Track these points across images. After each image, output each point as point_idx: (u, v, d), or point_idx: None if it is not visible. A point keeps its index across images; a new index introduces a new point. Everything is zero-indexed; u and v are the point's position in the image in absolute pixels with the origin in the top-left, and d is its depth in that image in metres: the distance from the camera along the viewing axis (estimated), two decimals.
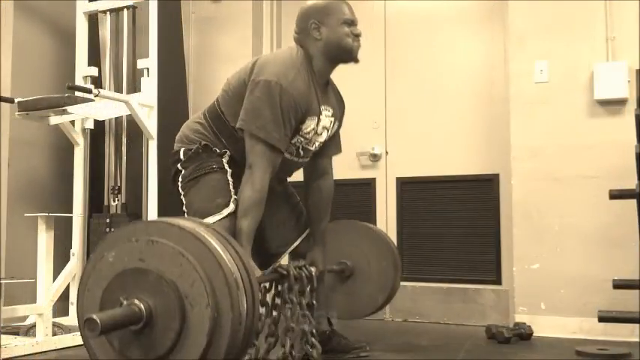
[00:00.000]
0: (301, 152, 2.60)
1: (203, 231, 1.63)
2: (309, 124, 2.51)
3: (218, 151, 2.51)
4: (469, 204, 4.02)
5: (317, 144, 2.65)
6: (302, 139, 2.53)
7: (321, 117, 2.58)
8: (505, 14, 3.85)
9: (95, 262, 1.67)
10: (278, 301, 2.36)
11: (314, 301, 2.42)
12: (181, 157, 2.54)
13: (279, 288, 2.37)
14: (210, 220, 2.35)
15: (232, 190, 2.46)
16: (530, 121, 3.65)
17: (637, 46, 3.42)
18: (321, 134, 2.62)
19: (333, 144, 2.80)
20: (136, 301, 1.55)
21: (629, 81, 3.41)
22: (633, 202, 2.77)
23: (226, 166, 2.50)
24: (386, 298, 3.12)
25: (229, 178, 2.49)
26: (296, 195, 2.91)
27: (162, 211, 3.59)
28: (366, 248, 3.11)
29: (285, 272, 2.35)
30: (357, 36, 2.63)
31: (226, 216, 2.38)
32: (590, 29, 3.56)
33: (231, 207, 2.38)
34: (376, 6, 4.37)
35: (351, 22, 2.61)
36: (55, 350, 3.13)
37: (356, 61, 2.65)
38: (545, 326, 3.49)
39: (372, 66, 4.33)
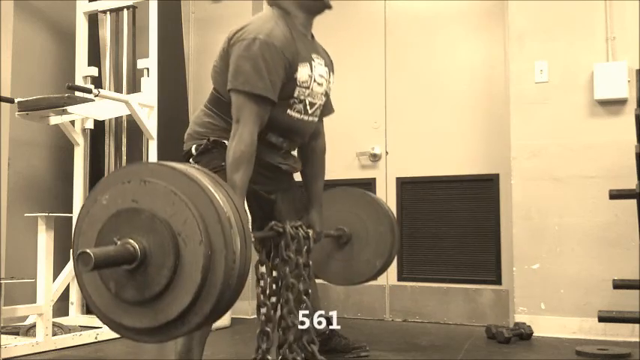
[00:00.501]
0: (308, 108, 2.50)
1: (195, 171, 1.62)
2: (304, 72, 2.43)
3: (227, 143, 2.44)
4: (469, 204, 4.02)
5: (321, 96, 2.56)
6: (303, 90, 2.44)
7: (313, 64, 2.49)
8: (505, 14, 3.85)
9: (89, 207, 1.66)
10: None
11: (310, 262, 2.39)
12: (193, 152, 2.47)
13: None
14: None
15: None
16: (530, 121, 3.65)
17: (637, 46, 3.43)
18: (321, 84, 2.53)
19: (326, 104, 2.71)
20: (130, 240, 1.54)
21: (629, 81, 3.41)
22: (633, 202, 2.78)
23: None
24: (384, 263, 3.04)
25: None
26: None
27: None
28: (363, 214, 3.07)
29: (281, 230, 2.33)
30: None
31: None
32: (590, 29, 3.56)
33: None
34: (376, 6, 4.37)
35: None
36: (55, 350, 3.13)
37: (329, 6, 2.58)
38: (545, 326, 3.49)
39: (372, 66, 4.33)
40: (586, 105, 3.54)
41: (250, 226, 2.28)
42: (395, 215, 3.08)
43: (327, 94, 2.64)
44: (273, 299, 2.34)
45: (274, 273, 2.35)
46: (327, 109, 2.73)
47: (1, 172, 3.52)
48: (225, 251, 1.52)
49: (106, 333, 3.42)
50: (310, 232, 2.41)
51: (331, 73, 2.67)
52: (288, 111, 2.42)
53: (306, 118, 2.51)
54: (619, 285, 2.78)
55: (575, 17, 3.60)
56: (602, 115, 3.51)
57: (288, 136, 2.49)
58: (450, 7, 4.17)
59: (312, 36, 2.63)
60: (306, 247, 2.35)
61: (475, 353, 3.08)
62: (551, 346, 3.24)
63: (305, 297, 2.30)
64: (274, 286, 2.33)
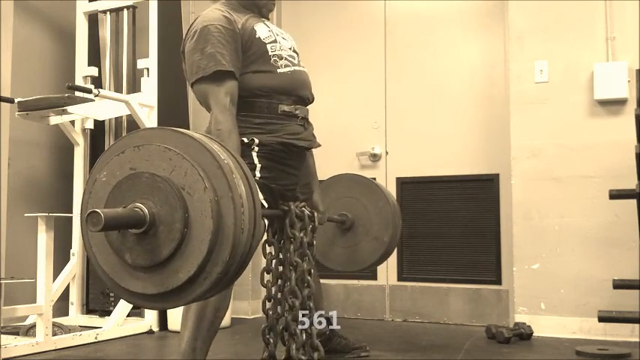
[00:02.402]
0: (292, 60, 2.49)
1: (186, 130, 1.62)
2: (261, 29, 2.43)
3: (246, 140, 2.39)
4: (469, 204, 4.02)
5: (293, 51, 2.55)
6: (274, 45, 2.44)
7: (266, 23, 2.50)
8: (505, 14, 3.85)
9: (90, 188, 1.65)
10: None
11: (314, 241, 2.39)
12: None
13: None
14: None
15: (260, 195, 2.29)
16: (530, 121, 3.65)
17: (637, 46, 3.43)
18: (286, 39, 2.54)
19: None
20: (138, 204, 1.52)
21: (629, 81, 3.41)
22: (633, 202, 2.78)
23: (256, 161, 2.37)
24: (391, 236, 2.99)
25: (258, 173, 2.35)
26: None
27: None
28: (359, 196, 3.05)
29: (286, 208, 2.34)
30: None
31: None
32: (590, 29, 3.56)
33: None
34: (376, 6, 4.37)
35: None
36: (55, 350, 3.13)
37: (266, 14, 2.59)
38: (545, 326, 3.49)
39: (372, 66, 4.33)
40: (586, 105, 3.54)
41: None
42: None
43: (296, 51, 2.61)
44: (280, 282, 2.34)
45: (281, 255, 2.36)
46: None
47: (1, 172, 3.52)
48: (232, 193, 1.50)
49: (106, 333, 3.42)
50: (315, 212, 2.42)
51: (292, 41, 2.63)
52: (278, 70, 2.41)
53: (297, 68, 2.50)
54: (619, 285, 2.78)
55: (575, 17, 3.60)
56: (602, 115, 3.51)
57: (296, 95, 2.46)
58: (450, 7, 4.17)
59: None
60: (311, 226, 2.36)
61: (475, 353, 3.08)
62: (551, 346, 3.24)
63: (308, 277, 2.31)
64: (280, 268, 2.34)
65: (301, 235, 2.33)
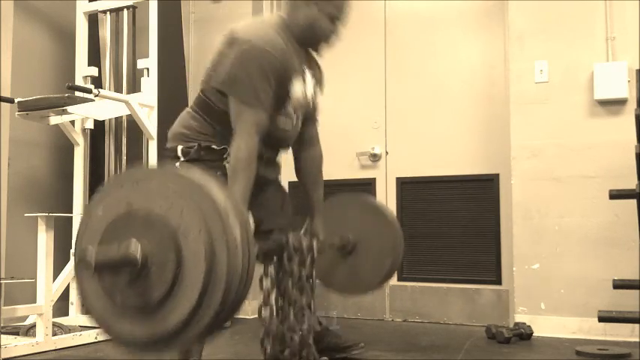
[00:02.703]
0: (294, 120, 2.51)
1: (186, 171, 1.62)
2: (298, 87, 2.44)
3: (217, 148, 2.43)
4: (469, 204, 4.02)
5: (308, 110, 2.58)
6: (294, 103, 2.46)
7: (305, 78, 2.50)
8: (505, 14, 3.85)
9: (86, 222, 1.64)
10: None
11: (314, 273, 2.37)
12: (180, 155, 2.42)
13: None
14: None
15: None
16: (530, 121, 3.65)
17: (637, 46, 3.43)
18: (308, 98, 2.56)
19: (315, 109, 2.70)
20: (131, 242, 1.51)
21: (629, 81, 3.41)
22: (633, 202, 2.78)
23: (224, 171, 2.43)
24: (393, 259, 2.97)
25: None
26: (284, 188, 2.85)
27: None
28: (364, 218, 3.02)
29: (284, 241, 2.30)
30: (334, 33, 2.57)
31: None
32: (590, 29, 3.56)
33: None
34: (376, 6, 4.37)
35: (337, 19, 2.55)
36: (55, 350, 3.13)
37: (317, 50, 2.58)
38: (545, 326, 3.49)
39: (371, 66, 4.33)
40: (586, 105, 3.54)
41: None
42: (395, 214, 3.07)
43: (313, 103, 2.65)
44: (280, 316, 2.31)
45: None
46: (315, 114, 2.74)
47: (1, 172, 3.52)
48: (226, 237, 1.49)
49: None
50: (314, 242, 2.40)
51: (318, 87, 2.67)
52: (276, 121, 2.42)
53: (291, 128, 2.52)
54: (619, 285, 2.78)
55: (575, 17, 3.60)
56: (602, 115, 3.51)
57: (271, 145, 2.48)
58: (450, 7, 4.17)
59: (307, 50, 2.62)
60: (309, 258, 2.33)
61: (475, 353, 3.08)
62: (551, 346, 3.24)
63: (307, 311, 2.28)
64: (280, 301, 2.30)
65: (300, 269, 2.30)
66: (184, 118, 2.52)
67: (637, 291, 2.91)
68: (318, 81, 2.67)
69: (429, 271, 4.08)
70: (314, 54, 2.65)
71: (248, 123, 2.28)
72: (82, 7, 4.09)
